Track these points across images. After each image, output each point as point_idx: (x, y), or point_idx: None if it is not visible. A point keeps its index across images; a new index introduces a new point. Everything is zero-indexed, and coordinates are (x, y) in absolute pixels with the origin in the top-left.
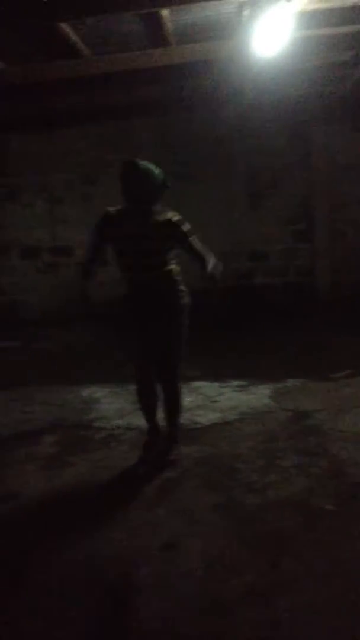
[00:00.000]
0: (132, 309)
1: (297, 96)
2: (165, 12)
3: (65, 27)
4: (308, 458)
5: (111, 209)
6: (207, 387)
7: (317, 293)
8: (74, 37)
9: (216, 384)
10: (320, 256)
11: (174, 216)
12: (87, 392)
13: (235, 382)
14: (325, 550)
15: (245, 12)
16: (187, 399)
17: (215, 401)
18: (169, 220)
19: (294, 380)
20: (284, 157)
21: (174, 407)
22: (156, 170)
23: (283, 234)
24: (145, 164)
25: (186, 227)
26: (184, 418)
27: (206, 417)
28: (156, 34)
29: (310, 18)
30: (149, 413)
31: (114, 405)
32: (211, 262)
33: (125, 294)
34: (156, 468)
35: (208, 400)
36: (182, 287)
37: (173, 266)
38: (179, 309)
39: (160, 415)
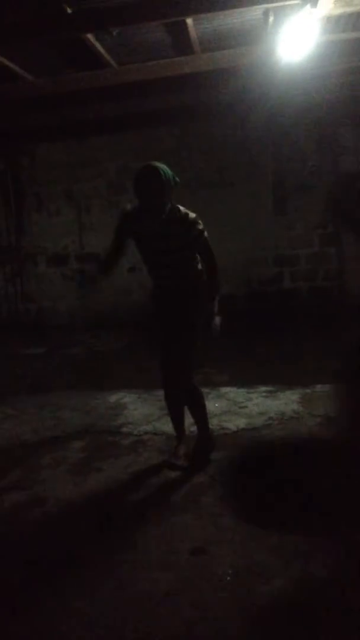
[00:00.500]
0: (155, 310)
1: (324, 100)
2: (189, 21)
3: (91, 38)
4: None
5: (129, 206)
6: (235, 393)
7: (345, 297)
8: (99, 47)
9: (244, 390)
10: (349, 260)
11: (191, 215)
12: (114, 397)
13: (263, 388)
14: (354, 556)
15: (271, 18)
16: (215, 405)
17: (243, 407)
18: (186, 216)
19: (323, 386)
20: (311, 160)
21: (195, 412)
22: (169, 171)
23: (311, 239)
24: (161, 165)
25: (202, 226)
26: (212, 424)
27: (234, 423)
28: (181, 42)
29: (336, 22)
30: (175, 420)
31: (141, 411)
32: (216, 298)
33: (152, 294)
34: (186, 471)
35: (236, 406)
36: (200, 293)
37: (194, 269)
38: (192, 316)
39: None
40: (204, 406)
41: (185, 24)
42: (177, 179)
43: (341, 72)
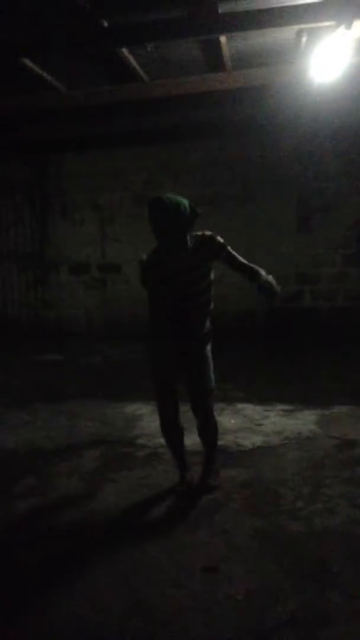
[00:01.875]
0: (163, 346)
1: (353, 121)
2: (223, 39)
3: (125, 52)
4: (354, 488)
5: (144, 256)
6: (252, 410)
7: None
8: (133, 62)
9: (260, 407)
10: None
11: (205, 232)
12: (130, 408)
13: (280, 406)
14: None
15: (304, 39)
16: (231, 421)
17: (259, 424)
18: (204, 234)
19: (341, 407)
20: (337, 182)
21: (211, 437)
22: (183, 201)
23: (333, 258)
24: (171, 197)
25: (221, 239)
26: (228, 440)
27: (250, 440)
28: (213, 59)
29: None
30: (179, 451)
31: (157, 424)
32: (263, 273)
33: (159, 325)
34: (195, 494)
35: (252, 423)
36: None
37: (210, 300)
38: (206, 341)
39: (196, 440)
40: (217, 429)
41: (218, 41)
42: (196, 209)
43: None
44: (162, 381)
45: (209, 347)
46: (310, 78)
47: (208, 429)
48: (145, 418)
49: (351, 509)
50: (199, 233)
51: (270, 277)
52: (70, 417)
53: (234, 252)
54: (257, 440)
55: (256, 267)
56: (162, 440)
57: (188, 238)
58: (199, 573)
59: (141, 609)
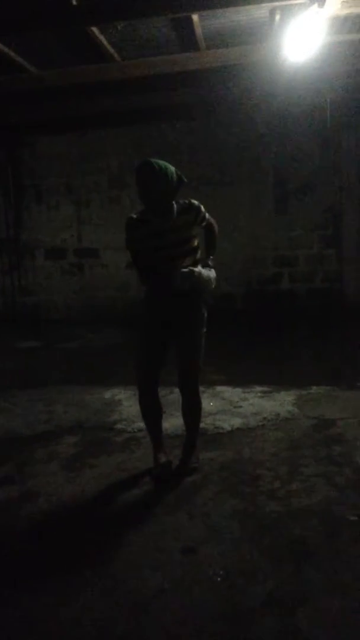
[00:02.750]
0: (151, 312)
1: (328, 102)
2: (195, 17)
3: (97, 32)
4: (332, 467)
5: (133, 214)
6: (230, 392)
7: (344, 299)
8: (104, 42)
9: (239, 389)
10: (348, 262)
11: (193, 201)
12: (109, 393)
13: (259, 388)
14: (348, 561)
15: (277, 17)
16: (210, 403)
17: (238, 406)
18: (190, 204)
19: (319, 388)
20: (313, 162)
21: (194, 417)
22: (170, 167)
23: (311, 240)
24: (159, 162)
25: (204, 211)
26: (207, 423)
27: (229, 423)
28: (186, 39)
29: (343, 23)
30: (155, 426)
31: (136, 408)
32: (210, 262)
33: (147, 296)
34: (175, 475)
35: (231, 406)
36: (205, 295)
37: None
38: (200, 315)
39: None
40: (201, 409)
41: (191, 20)
42: (183, 177)
43: (346, 73)
44: (146, 352)
45: (203, 324)
46: (284, 57)
47: (192, 408)
48: (124, 403)
49: (328, 487)
50: (186, 201)
51: (204, 270)
52: (49, 403)
53: (210, 220)
54: (236, 422)
55: (214, 240)
56: (141, 425)
57: (174, 204)
58: (178, 555)
59: (119, 593)
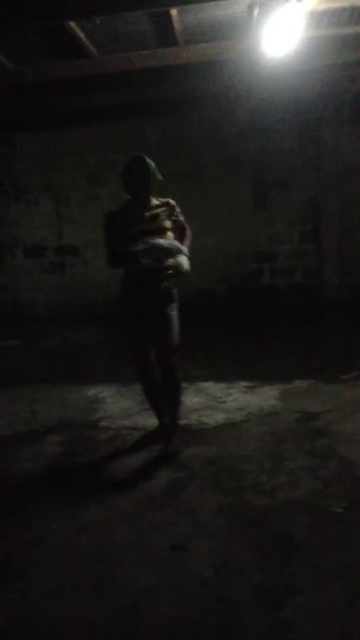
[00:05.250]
0: (131, 299)
1: (306, 96)
2: (174, 12)
3: (74, 27)
4: (316, 460)
5: (112, 207)
6: (214, 388)
7: (325, 294)
8: (82, 36)
9: (223, 385)
10: (328, 257)
11: (170, 199)
12: (92, 391)
13: (242, 383)
14: (333, 553)
15: (255, 12)
16: (194, 400)
17: (222, 402)
18: (167, 201)
19: (302, 382)
20: (292, 157)
21: (174, 397)
22: (152, 163)
23: (291, 235)
24: (148, 159)
25: (179, 209)
26: (191, 419)
27: (213, 418)
28: (165, 34)
29: (321, 18)
30: (157, 403)
31: (119, 405)
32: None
33: (125, 285)
34: (157, 462)
35: (215, 401)
36: (173, 282)
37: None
38: (172, 296)
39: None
40: (180, 394)
41: (169, 15)
42: (159, 174)
43: (324, 68)
44: (134, 333)
45: (173, 306)
46: (262, 52)
47: (170, 387)
48: (108, 400)
49: (313, 480)
50: (163, 199)
51: (165, 241)
52: (32, 402)
53: (184, 222)
54: (220, 417)
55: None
56: (125, 422)
57: (151, 196)
58: (165, 551)
59: (107, 590)
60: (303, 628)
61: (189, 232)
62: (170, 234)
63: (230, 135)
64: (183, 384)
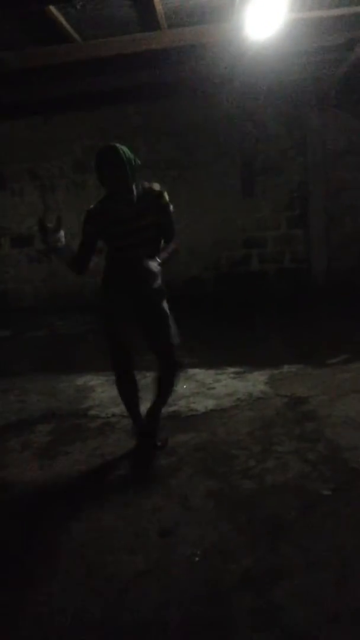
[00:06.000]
0: (113, 295)
1: (291, 80)
2: None
3: (55, 12)
4: (304, 443)
5: (92, 205)
6: (203, 374)
7: (312, 279)
8: (63, 22)
9: (212, 371)
10: (315, 242)
11: (156, 185)
12: (81, 380)
13: (231, 369)
14: (323, 535)
15: None
16: (183, 386)
17: (211, 388)
18: (151, 189)
19: (290, 367)
20: (279, 142)
21: (166, 390)
22: (128, 150)
23: (278, 221)
24: (121, 146)
25: (167, 198)
26: (181, 405)
27: (202, 404)
28: (147, 18)
29: (304, 0)
30: (133, 404)
31: (108, 394)
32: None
33: (110, 278)
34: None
35: (204, 387)
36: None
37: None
38: (162, 292)
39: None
40: (173, 387)
41: None
42: (137, 159)
43: (308, 51)
44: (113, 334)
45: (165, 303)
46: (246, 35)
47: (169, 377)
48: (97, 389)
49: (302, 464)
50: (147, 184)
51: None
52: (20, 392)
53: (172, 219)
54: (210, 403)
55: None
56: (114, 410)
57: (134, 187)
58: (155, 537)
59: (97, 578)
60: (293, 611)
61: (173, 244)
62: (158, 235)
63: (216, 121)
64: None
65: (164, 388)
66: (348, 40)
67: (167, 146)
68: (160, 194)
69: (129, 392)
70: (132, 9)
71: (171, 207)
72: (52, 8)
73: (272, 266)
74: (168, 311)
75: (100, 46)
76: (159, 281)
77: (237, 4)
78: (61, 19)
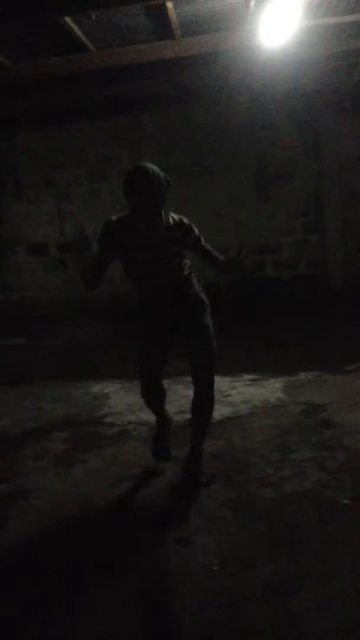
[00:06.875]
0: (151, 315)
1: (305, 86)
2: (170, 4)
3: (70, 22)
4: (322, 451)
5: (114, 217)
6: (219, 382)
7: (329, 285)
8: (78, 31)
9: (227, 378)
10: (331, 247)
11: (184, 218)
12: (97, 388)
13: (247, 376)
14: (342, 544)
15: (252, 2)
16: None
17: (227, 395)
18: (182, 221)
19: (307, 374)
20: (293, 148)
21: (205, 412)
22: (160, 171)
23: (293, 226)
24: (152, 166)
25: (197, 230)
26: None
27: (218, 412)
28: (161, 27)
29: (318, 7)
30: (158, 405)
31: (124, 401)
32: (220, 257)
33: (143, 301)
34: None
35: (220, 395)
36: (199, 286)
37: (187, 269)
38: (203, 305)
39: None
40: (213, 407)
41: (165, 7)
42: (168, 179)
43: (322, 58)
44: (150, 350)
45: (206, 315)
46: (259, 43)
47: (204, 402)
48: (113, 396)
49: (320, 472)
50: (176, 216)
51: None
52: (37, 400)
53: (207, 247)
54: (226, 411)
55: (216, 254)
56: (130, 417)
57: (163, 212)
58: (173, 546)
59: (116, 586)
60: (312, 621)
61: (214, 252)
62: (184, 260)
63: (230, 127)
64: (187, 378)
65: (202, 409)
66: None
67: (182, 152)
68: (190, 227)
69: (153, 394)
70: (146, 18)
71: (199, 235)
72: (67, 19)
73: (288, 272)
74: (209, 322)
75: (114, 55)
76: (196, 288)
77: (251, 12)
78: (75, 28)
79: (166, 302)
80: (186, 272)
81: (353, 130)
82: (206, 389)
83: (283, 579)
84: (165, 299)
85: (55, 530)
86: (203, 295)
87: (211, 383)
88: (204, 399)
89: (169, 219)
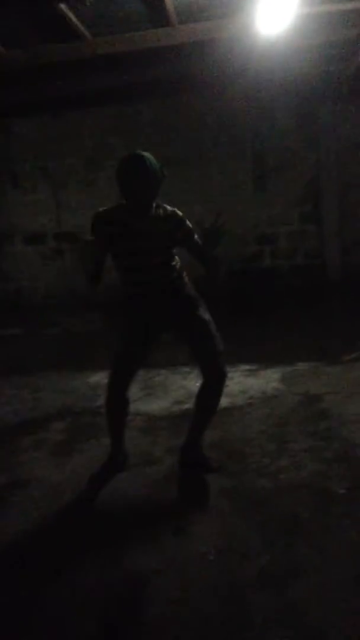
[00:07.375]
0: (138, 312)
1: (303, 75)
2: None
3: (65, 9)
4: (319, 442)
5: (101, 209)
6: None
7: (326, 275)
8: (74, 18)
9: None
10: (329, 238)
11: (177, 211)
12: (94, 378)
13: (244, 366)
14: (338, 533)
15: None
16: (196, 384)
17: (224, 386)
18: (174, 213)
19: (304, 364)
20: (291, 137)
21: (211, 405)
22: (155, 161)
23: (291, 216)
24: (149, 156)
25: (190, 224)
26: (193, 403)
27: None
28: (158, 14)
29: None
30: (117, 421)
31: None
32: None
33: (130, 296)
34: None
35: None
36: (191, 286)
37: (178, 267)
38: (199, 302)
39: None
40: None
41: None
42: (163, 169)
43: (320, 46)
44: (125, 352)
45: (203, 309)
46: (257, 30)
47: (213, 396)
48: None
49: (316, 462)
50: (169, 208)
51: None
52: (34, 390)
53: (199, 242)
54: (223, 401)
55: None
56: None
57: (154, 205)
58: (170, 536)
59: (113, 576)
60: (309, 609)
61: (208, 255)
62: (171, 256)
63: (227, 116)
64: (185, 369)
65: (210, 401)
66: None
67: (178, 142)
68: (182, 220)
69: (119, 412)
70: (143, 6)
71: (194, 232)
72: (62, 5)
73: (285, 262)
74: (209, 317)
75: (110, 43)
76: (189, 286)
77: None
78: (71, 15)
79: (154, 300)
80: (177, 271)
81: (352, 119)
82: (216, 384)
83: (279, 568)
84: (153, 296)
85: (54, 520)
86: (196, 293)
87: (222, 378)
88: (213, 392)
89: (160, 210)
